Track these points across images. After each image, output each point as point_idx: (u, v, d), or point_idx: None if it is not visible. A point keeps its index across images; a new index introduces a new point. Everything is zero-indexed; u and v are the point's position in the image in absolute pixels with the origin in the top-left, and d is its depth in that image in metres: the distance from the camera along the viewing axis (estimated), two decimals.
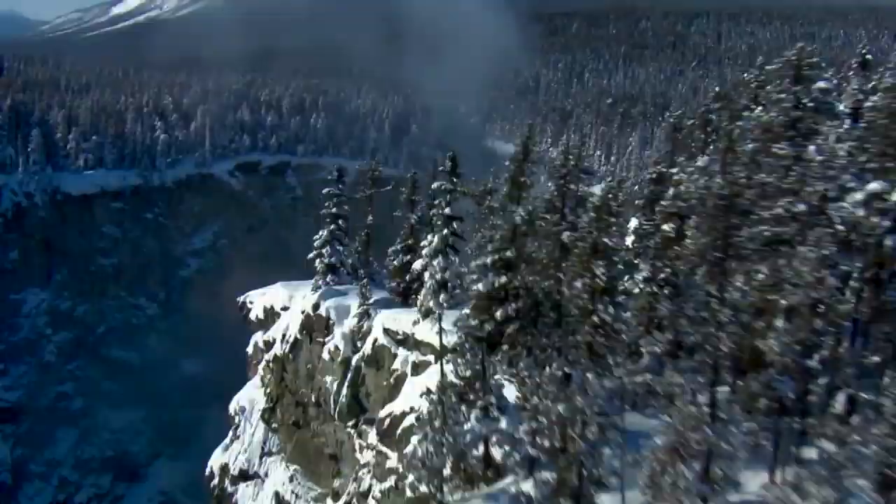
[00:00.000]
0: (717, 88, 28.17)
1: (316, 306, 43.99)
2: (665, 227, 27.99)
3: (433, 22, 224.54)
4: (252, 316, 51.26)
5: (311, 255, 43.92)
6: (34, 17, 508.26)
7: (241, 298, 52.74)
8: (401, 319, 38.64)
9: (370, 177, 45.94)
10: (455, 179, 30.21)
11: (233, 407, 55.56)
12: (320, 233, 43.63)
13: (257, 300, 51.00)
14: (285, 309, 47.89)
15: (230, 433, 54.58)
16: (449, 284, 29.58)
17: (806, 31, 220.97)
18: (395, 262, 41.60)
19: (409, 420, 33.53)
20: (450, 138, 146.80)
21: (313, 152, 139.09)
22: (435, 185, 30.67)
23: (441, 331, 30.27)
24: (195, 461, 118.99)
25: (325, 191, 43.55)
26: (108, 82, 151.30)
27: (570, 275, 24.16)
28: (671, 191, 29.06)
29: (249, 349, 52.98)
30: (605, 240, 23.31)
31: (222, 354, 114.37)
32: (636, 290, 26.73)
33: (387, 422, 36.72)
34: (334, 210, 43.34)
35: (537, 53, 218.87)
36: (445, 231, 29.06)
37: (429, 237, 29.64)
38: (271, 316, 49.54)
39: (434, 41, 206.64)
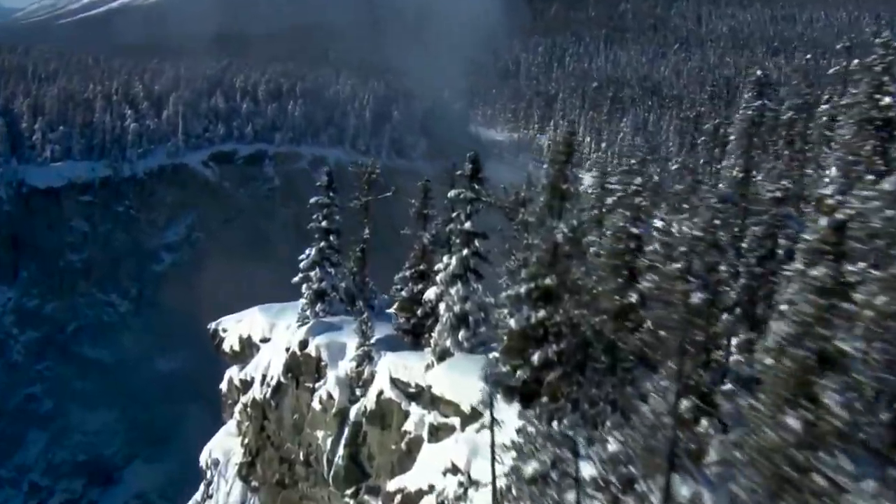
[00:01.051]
0: (758, 72, 22.12)
1: (303, 344, 36.41)
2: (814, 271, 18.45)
3: (412, 4, 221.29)
4: (226, 347, 43.22)
5: (296, 280, 37.00)
6: (8, 4, 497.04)
7: (212, 325, 44.77)
8: (413, 367, 31.01)
9: (366, 180, 37.15)
10: (477, 186, 24.71)
11: (204, 458, 47.43)
12: (307, 252, 36.65)
13: (232, 328, 43.10)
14: (265, 341, 40.15)
15: (201, 488, 46.18)
16: (470, 318, 24.64)
17: (787, 13, 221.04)
18: (402, 293, 33.29)
19: (429, 502, 26.94)
20: (433, 124, 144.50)
21: (291, 140, 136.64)
22: (452, 194, 25.50)
23: (491, 403, 20.65)
24: (173, 462, 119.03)
25: (312, 200, 36.26)
26: (76, 69, 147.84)
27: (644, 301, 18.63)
28: (823, 220, 18.47)
29: (223, 386, 44.71)
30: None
31: (199, 351, 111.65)
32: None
33: (398, 498, 29.28)
34: (324, 224, 36.09)
35: (517, 36, 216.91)
36: (466, 251, 24.38)
37: (444, 259, 25.01)
38: (248, 348, 41.88)
39: (413, 24, 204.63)
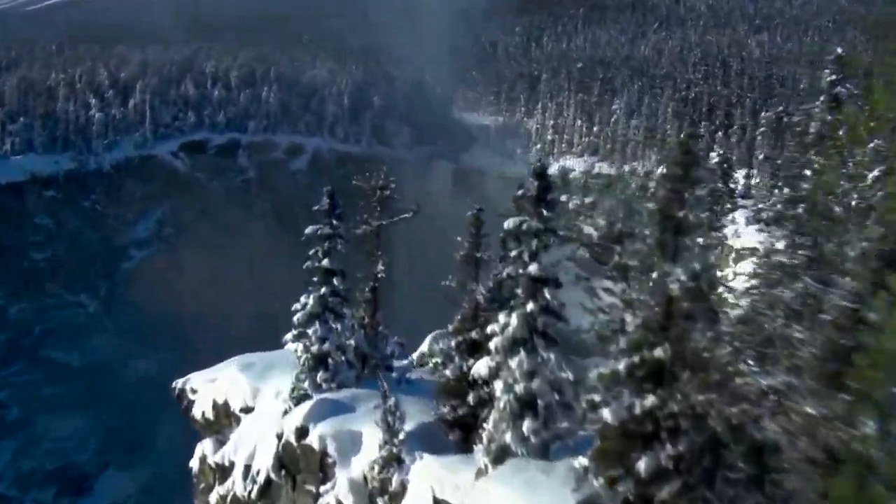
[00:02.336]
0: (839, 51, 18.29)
1: (302, 431, 27.09)
2: None
3: None
4: (196, 412, 34.41)
5: (288, 338, 29.38)
6: None
7: (178, 383, 36.08)
8: (463, 481, 21.16)
9: (378, 199, 28.88)
10: (546, 213, 17.25)
11: None
12: (303, 301, 28.56)
13: (203, 390, 34.25)
14: (248, 411, 31.28)
15: None
16: (539, 403, 17.50)
17: None
18: (445, 371, 23.74)
19: None
20: (415, 110, 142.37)
21: (266, 129, 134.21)
22: (511, 224, 17.57)
23: None
24: (147, 470, 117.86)
25: (309, 231, 28.44)
26: (39, 57, 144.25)
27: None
28: None
29: (194, 463, 34.93)
30: None
31: (174, 352, 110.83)
32: None
33: None
34: (325, 262, 28.00)
35: (493, 17, 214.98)
36: (531, 306, 17.02)
37: (501, 318, 17.37)
38: (226, 417, 33.19)
39: (390, 4, 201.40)
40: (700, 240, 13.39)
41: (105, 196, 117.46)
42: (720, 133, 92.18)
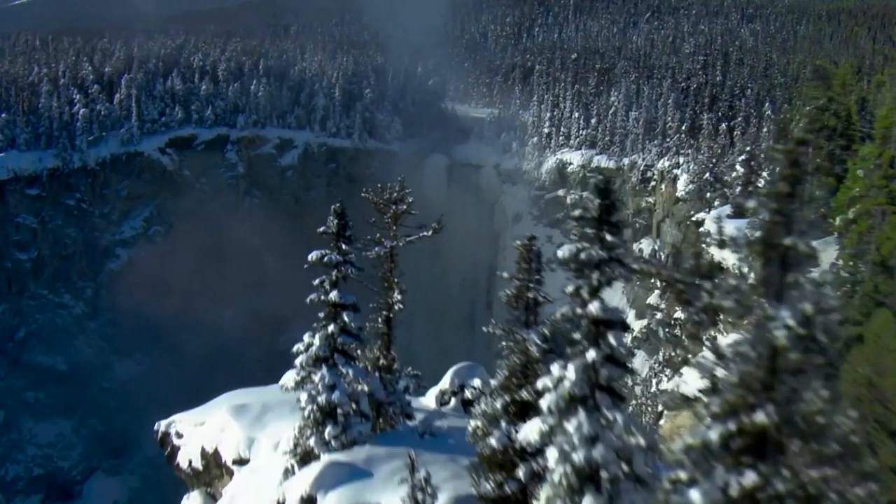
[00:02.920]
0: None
1: (308, 502, 22.28)
2: None
3: None
4: (181, 460, 29.97)
5: (289, 383, 24.47)
6: None
7: (160, 425, 32.23)
8: None
9: (392, 214, 24.87)
10: (611, 238, 13.73)
11: None
12: (306, 340, 24.19)
13: (190, 434, 30.18)
14: (241, 462, 26.92)
15: None
16: (603, 476, 14.16)
17: None
18: (489, 439, 18.52)
19: None
20: (408, 103, 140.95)
21: (255, 123, 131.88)
22: (566, 253, 13.93)
23: None
24: (135, 474, 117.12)
25: (313, 256, 23.83)
26: (21, 52, 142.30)
27: None
28: None
29: None
30: None
31: (161, 354, 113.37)
32: None
33: None
34: (334, 294, 23.61)
35: (483, 7, 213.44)
36: (593, 355, 13.70)
37: (555, 371, 14.09)
38: (216, 467, 28.63)
39: None
40: (813, 273, 10.01)
41: (90, 194, 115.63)
42: (724, 125, 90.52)
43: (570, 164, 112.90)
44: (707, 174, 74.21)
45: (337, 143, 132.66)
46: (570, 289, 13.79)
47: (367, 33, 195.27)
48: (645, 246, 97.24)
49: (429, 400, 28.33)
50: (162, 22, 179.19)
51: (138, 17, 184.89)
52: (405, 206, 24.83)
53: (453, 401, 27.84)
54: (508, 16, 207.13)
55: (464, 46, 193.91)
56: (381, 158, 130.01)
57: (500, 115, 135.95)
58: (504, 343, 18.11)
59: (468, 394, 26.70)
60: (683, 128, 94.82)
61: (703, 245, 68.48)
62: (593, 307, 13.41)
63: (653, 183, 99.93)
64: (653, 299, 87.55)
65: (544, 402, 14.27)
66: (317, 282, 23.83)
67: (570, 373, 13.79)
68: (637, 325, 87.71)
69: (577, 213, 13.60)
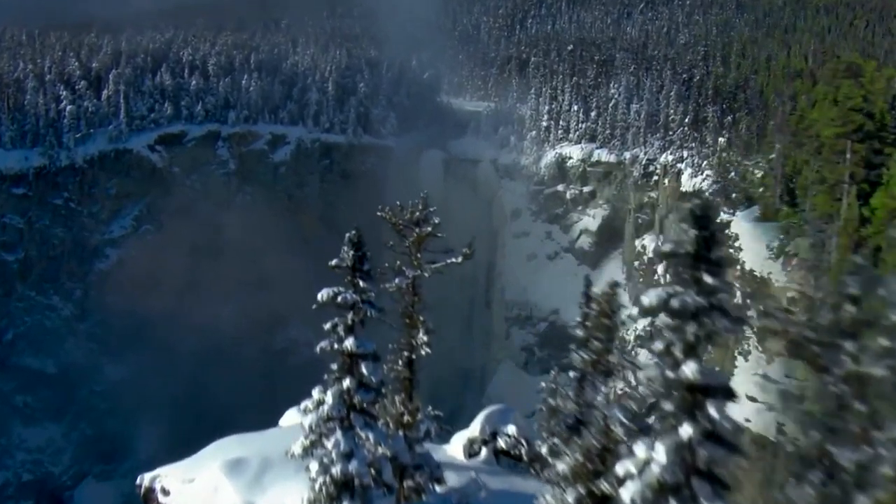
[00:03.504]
0: None
1: None
2: None
3: None
4: None
5: (294, 450, 21.53)
6: None
7: (143, 479, 29.76)
8: None
9: (416, 239, 21.81)
10: (712, 281, 10.46)
11: None
12: (315, 396, 21.22)
13: (177, 491, 27.54)
14: None
15: None
16: None
17: None
18: None
19: None
20: (402, 97, 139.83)
21: (246, 119, 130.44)
22: (652, 301, 10.74)
23: None
24: (128, 479, 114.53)
25: (323, 295, 19.46)
26: (6, 47, 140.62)
27: None
28: None
29: None
30: None
31: (153, 356, 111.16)
32: None
33: None
34: (350, 343, 19.72)
35: None
36: (689, 432, 10.70)
37: (640, 451, 11.13)
38: None
39: None
40: None
41: (78, 193, 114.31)
42: (729, 118, 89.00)
43: (570, 158, 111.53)
44: (732, 173, 71.75)
45: (331, 139, 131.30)
46: (658, 346, 10.99)
47: (359, 26, 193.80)
48: (648, 242, 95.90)
49: (455, 448, 25.08)
50: (150, 16, 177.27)
51: (126, 11, 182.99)
52: (430, 229, 21.07)
53: (484, 451, 24.93)
54: (501, 7, 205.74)
55: (456, 39, 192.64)
56: (376, 154, 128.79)
57: (496, 108, 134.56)
58: (573, 416, 14.78)
59: (502, 443, 23.73)
60: (687, 120, 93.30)
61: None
62: (689, 370, 10.58)
63: (655, 177, 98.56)
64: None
65: (626, 493, 11.19)
66: (328, 326, 19.56)
67: (660, 454, 10.86)
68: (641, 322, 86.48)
69: (668, 248, 10.84)
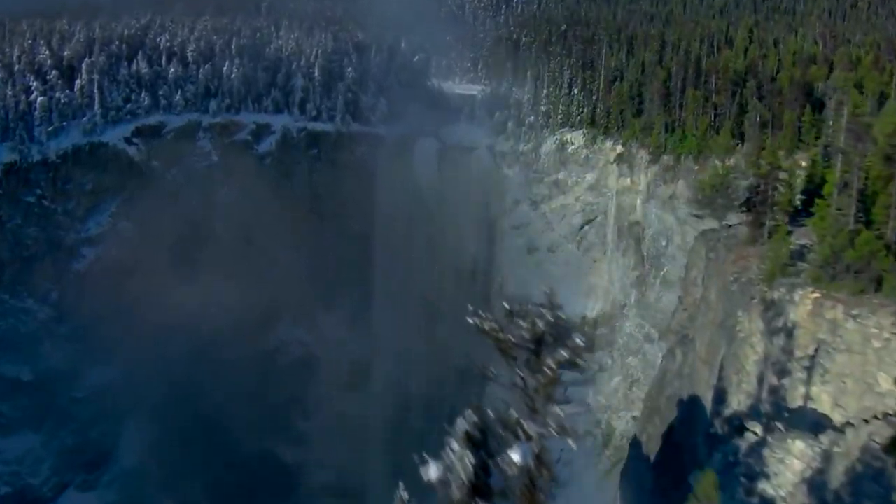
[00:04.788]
0: None
1: None
2: None
3: None
4: None
5: None
6: None
7: None
8: None
9: (549, 379, 9.57)
10: None
11: None
12: None
13: None
14: None
15: None
16: None
17: None
18: None
19: None
20: (393, 82, 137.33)
21: (229, 108, 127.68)
22: None
23: None
24: (111, 489, 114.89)
25: (433, 474, 8.79)
26: None
27: None
28: None
29: None
30: None
31: (136, 359, 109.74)
32: None
33: None
34: None
35: None
36: None
37: None
38: None
39: None
40: None
41: (51, 189, 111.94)
42: (738, 102, 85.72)
43: (572, 144, 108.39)
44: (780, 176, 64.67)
45: (318, 128, 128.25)
46: None
47: (343, 8, 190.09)
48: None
49: None
50: (125, 0, 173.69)
51: None
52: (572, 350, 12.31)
53: None
54: None
55: (441, 19, 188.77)
56: (366, 143, 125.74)
57: (491, 92, 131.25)
58: None
59: None
60: (698, 107, 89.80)
61: None
62: None
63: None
64: None
65: None
66: None
67: None
68: None
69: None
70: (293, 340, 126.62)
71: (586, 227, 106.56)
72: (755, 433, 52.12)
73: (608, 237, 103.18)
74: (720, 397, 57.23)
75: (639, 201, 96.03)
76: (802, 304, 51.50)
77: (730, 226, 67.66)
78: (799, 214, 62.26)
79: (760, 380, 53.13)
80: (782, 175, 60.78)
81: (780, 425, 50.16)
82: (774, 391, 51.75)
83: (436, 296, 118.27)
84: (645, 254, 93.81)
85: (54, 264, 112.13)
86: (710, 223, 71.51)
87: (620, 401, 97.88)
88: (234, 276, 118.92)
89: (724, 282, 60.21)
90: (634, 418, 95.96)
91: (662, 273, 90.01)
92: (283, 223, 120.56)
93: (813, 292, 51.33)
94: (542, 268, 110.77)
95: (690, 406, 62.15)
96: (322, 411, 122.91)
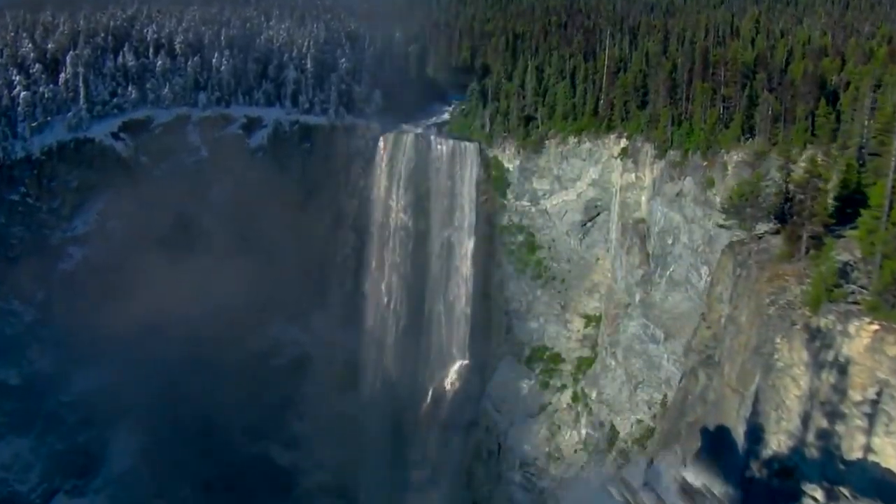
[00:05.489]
0: None
1: None
2: None
3: None
4: None
5: None
6: None
7: None
8: None
9: None
10: None
11: None
12: None
13: None
14: None
15: None
16: None
17: None
18: None
19: None
20: (387, 72, 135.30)
21: (218, 101, 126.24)
22: None
23: None
24: (102, 494, 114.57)
25: None
26: None
27: None
28: None
29: None
30: None
31: (125, 361, 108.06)
32: None
33: None
34: None
35: None
36: None
37: None
38: None
39: None
40: None
41: (36, 187, 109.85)
42: (748, 95, 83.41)
43: (574, 137, 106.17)
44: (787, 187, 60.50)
45: (311, 121, 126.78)
46: None
47: None
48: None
49: None
50: None
51: None
52: None
53: None
54: None
55: (437, 8, 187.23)
56: (361, 136, 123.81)
57: (487, 82, 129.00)
58: None
59: None
60: (706, 99, 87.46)
61: None
62: None
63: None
64: None
65: None
66: None
67: None
68: None
69: None
70: (286, 340, 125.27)
71: (588, 224, 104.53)
72: (814, 499, 46.36)
73: (611, 234, 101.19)
74: (755, 434, 51.92)
75: (644, 198, 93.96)
76: (858, 337, 45.73)
77: (759, 237, 62.43)
78: (833, 224, 56.59)
79: (805, 420, 47.74)
80: (822, 184, 55.01)
81: (845, 491, 44.64)
82: (825, 436, 46.35)
83: (433, 294, 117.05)
84: (650, 252, 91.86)
85: (40, 265, 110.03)
86: (734, 233, 67.04)
87: (624, 403, 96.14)
88: (225, 274, 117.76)
89: (758, 303, 54.44)
90: (639, 421, 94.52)
91: (669, 272, 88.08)
92: (275, 220, 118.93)
93: (871, 323, 45.47)
94: (543, 264, 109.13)
95: (718, 438, 56.97)
96: (316, 412, 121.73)
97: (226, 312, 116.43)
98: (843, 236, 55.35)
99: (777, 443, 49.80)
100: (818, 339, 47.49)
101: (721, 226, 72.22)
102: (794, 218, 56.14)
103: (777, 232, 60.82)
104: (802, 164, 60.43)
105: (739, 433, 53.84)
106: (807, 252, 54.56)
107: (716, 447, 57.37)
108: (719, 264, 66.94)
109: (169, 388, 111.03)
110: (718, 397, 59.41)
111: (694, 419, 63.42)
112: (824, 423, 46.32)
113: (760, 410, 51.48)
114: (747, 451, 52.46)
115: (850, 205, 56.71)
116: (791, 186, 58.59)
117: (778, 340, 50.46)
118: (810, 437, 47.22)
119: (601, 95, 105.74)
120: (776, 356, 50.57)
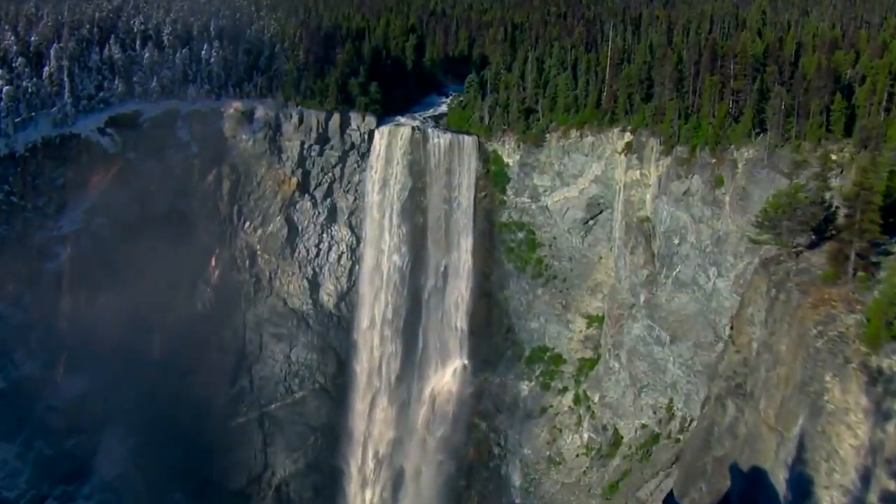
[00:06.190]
0: None
1: None
2: None
3: None
4: None
5: None
6: None
7: None
8: None
9: None
10: None
11: None
12: None
13: None
14: None
15: None
16: None
17: None
18: None
19: None
20: (385, 63, 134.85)
21: (208, 94, 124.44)
22: None
23: None
24: (92, 500, 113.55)
25: None
26: None
27: None
28: None
29: None
30: None
31: (114, 365, 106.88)
32: None
33: None
34: None
35: None
36: None
37: None
38: None
39: None
40: None
41: (20, 185, 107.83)
42: (759, 88, 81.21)
43: (575, 131, 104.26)
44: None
45: (305, 113, 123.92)
46: None
47: None
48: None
49: None
50: None
51: None
52: None
53: None
54: None
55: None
56: (357, 128, 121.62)
57: (487, 73, 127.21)
58: None
59: None
60: (714, 93, 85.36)
61: None
62: None
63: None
64: None
65: None
66: None
67: None
68: None
69: None
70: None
71: (591, 222, 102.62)
72: None
73: (615, 233, 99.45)
74: (801, 484, 46.87)
75: (648, 196, 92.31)
76: None
77: (797, 253, 56.94)
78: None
79: (865, 477, 41.98)
80: (874, 197, 48.93)
81: None
82: (891, 501, 40.37)
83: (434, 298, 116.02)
84: (655, 252, 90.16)
85: (25, 265, 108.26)
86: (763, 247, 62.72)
87: (628, 407, 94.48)
88: (216, 274, 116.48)
89: (801, 332, 49.30)
90: (644, 426, 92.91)
91: (675, 273, 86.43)
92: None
93: None
94: (544, 263, 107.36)
95: (753, 480, 51.95)
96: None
97: (217, 312, 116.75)
98: (892, 252, 50.80)
99: (830, 499, 45.17)
100: (880, 384, 42.22)
101: (754, 241, 67.10)
102: (841, 234, 51.73)
103: (811, 245, 56.55)
104: (835, 169, 56.21)
105: (779, 478, 49.26)
106: (854, 273, 49.98)
107: (749, 490, 53.17)
108: (751, 284, 62.05)
109: (157, 392, 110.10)
110: (752, 434, 54.78)
111: (722, 454, 59.23)
112: (892, 486, 40.93)
113: (807, 458, 46.94)
114: (791, 502, 48.01)
115: (893, 214, 52.21)
116: (828, 195, 54.29)
117: (828, 379, 45.89)
118: (872, 499, 41.97)
119: (604, 87, 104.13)
120: (826, 397, 45.84)
